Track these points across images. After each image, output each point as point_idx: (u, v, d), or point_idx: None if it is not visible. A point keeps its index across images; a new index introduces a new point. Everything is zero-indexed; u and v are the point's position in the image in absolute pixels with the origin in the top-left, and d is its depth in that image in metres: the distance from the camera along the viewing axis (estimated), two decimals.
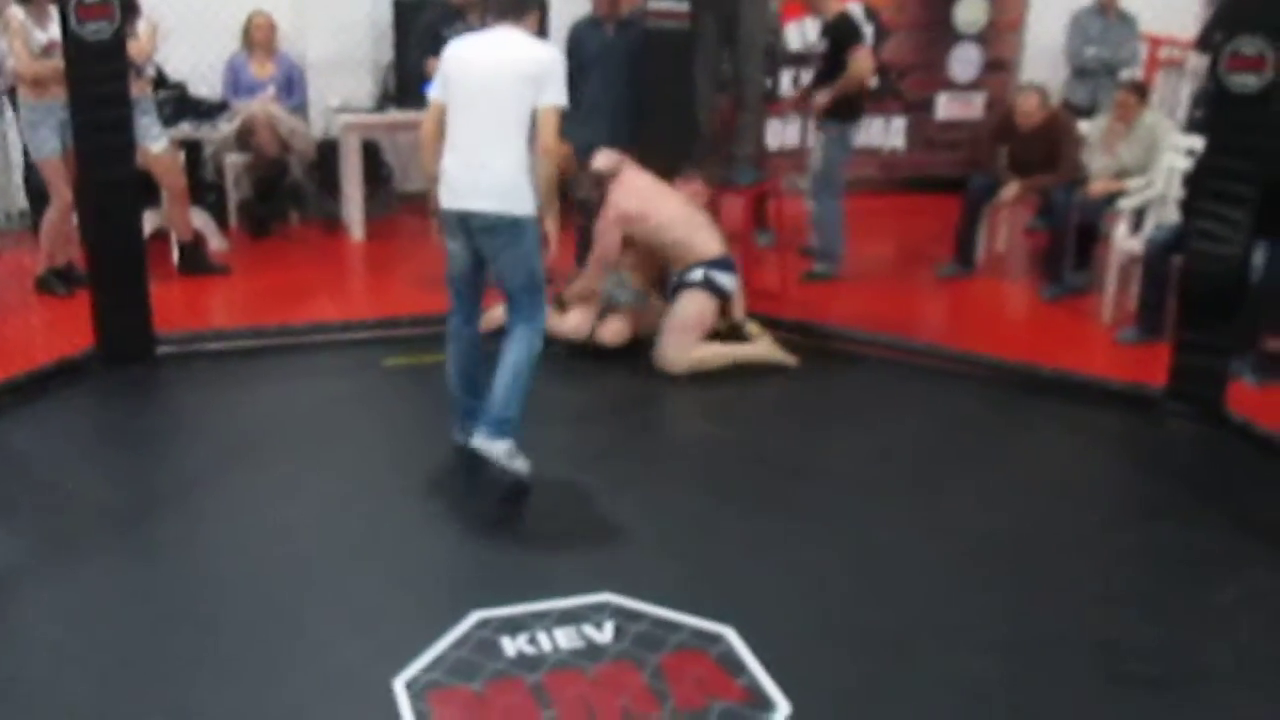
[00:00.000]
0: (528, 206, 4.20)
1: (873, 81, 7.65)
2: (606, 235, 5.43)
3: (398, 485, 4.33)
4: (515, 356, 4.29)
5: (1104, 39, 8.18)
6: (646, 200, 5.47)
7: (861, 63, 6.60)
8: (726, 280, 5.49)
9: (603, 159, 5.53)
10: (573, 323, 5.58)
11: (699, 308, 5.43)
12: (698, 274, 5.43)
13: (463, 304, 4.50)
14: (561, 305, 5.57)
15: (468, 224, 4.27)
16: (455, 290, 4.48)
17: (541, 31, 4.60)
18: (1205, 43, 8.23)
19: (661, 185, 5.62)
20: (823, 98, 6.60)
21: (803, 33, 7.96)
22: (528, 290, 4.30)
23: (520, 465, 4.28)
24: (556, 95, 4.18)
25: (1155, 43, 8.75)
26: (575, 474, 4.46)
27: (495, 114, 4.20)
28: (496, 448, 4.28)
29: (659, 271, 5.67)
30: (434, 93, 4.32)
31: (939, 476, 4.55)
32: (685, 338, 5.40)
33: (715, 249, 5.50)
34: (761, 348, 5.55)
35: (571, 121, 6.22)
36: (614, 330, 5.60)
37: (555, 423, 4.79)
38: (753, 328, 5.64)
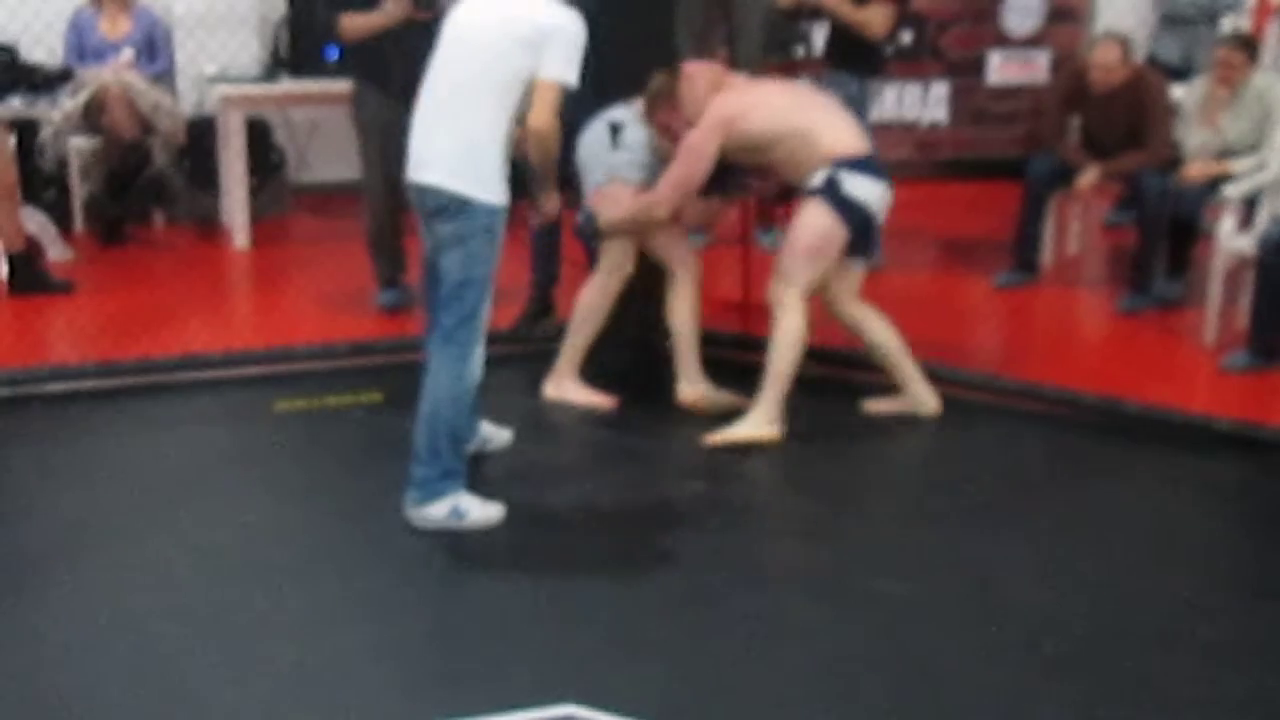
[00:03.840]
0: (487, 191, 4.37)
1: (904, 38, 7.76)
2: (699, 148, 5.28)
3: (295, 568, 4.33)
4: (430, 399, 4.46)
5: None
6: (748, 92, 5.43)
7: (876, 18, 6.72)
8: (863, 188, 5.22)
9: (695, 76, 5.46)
10: (613, 260, 5.54)
11: (813, 226, 5.23)
12: (820, 177, 5.21)
13: (433, 319, 4.66)
14: (596, 234, 5.54)
15: (423, 205, 4.49)
16: (426, 302, 4.71)
17: None
18: None
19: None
20: None
21: None
22: (457, 302, 4.42)
23: (476, 517, 4.47)
24: (558, 69, 4.37)
25: None
26: (530, 546, 4.48)
27: (467, 73, 4.43)
28: (430, 514, 4.45)
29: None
30: None
31: (992, 544, 4.58)
32: (791, 264, 5.26)
33: (850, 144, 5.28)
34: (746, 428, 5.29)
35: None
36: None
37: (506, 478, 4.81)
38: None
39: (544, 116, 4.38)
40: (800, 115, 5.33)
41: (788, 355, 5.24)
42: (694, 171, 5.31)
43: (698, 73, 5.43)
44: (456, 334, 4.45)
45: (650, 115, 5.45)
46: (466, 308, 4.43)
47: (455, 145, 4.40)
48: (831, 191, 5.18)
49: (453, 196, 4.38)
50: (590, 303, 5.58)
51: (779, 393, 5.26)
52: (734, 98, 5.36)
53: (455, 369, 4.46)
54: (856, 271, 5.50)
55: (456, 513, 4.46)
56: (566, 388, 5.64)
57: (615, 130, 5.49)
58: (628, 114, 5.51)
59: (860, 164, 5.24)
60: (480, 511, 4.50)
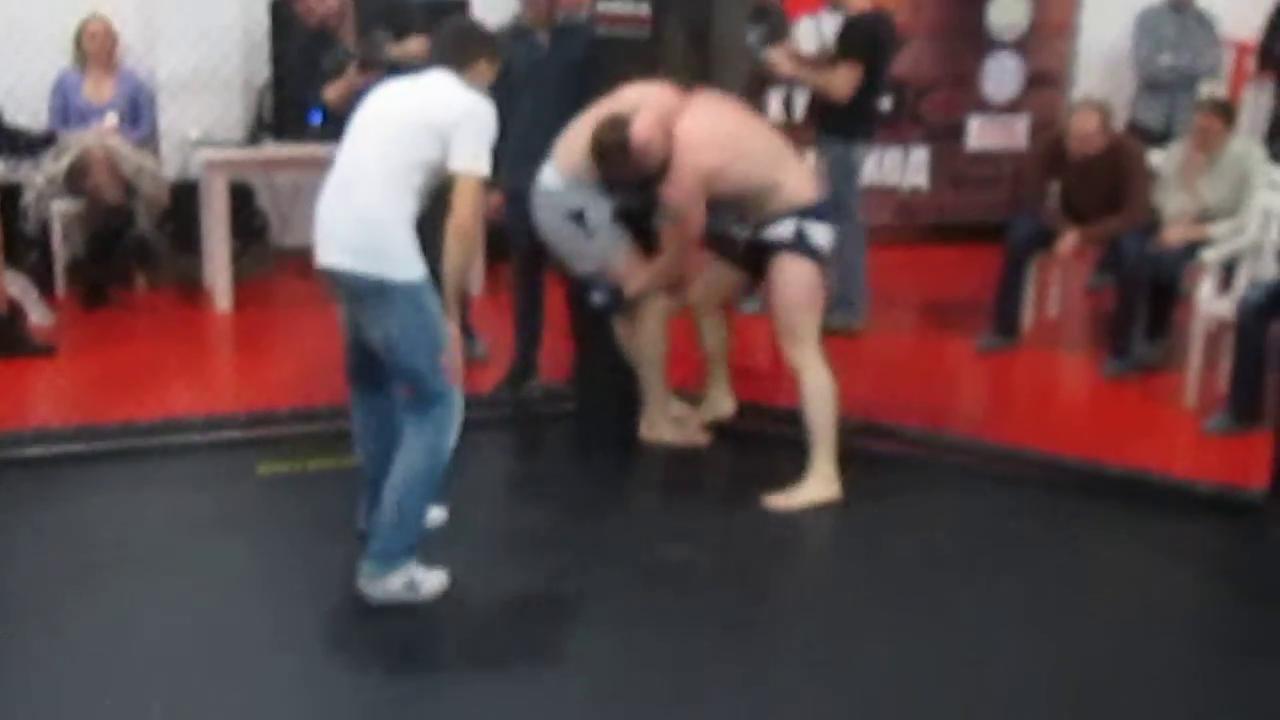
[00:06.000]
0: (403, 268, 4.24)
1: (884, 104, 7.81)
2: (687, 208, 5.31)
3: (277, 636, 4.33)
4: (401, 473, 4.34)
5: (1180, 44, 8.43)
6: (724, 139, 5.38)
7: (838, 80, 6.81)
8: (822, 234, 5.36)
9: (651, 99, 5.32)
10: (648, 303, 5.56)
11: (798, 280, 5.34)
12: (786, 228, 5.33)
13: (357, 388, 4.62)
14: (625, 305, 5.52)
15: (339, 288, 4.40)
16: (348, 371, 4.62)
17: None
18: (1267, 56, 8.48)
19: (729, 109, 5.62)
20: (784, 63, 6.81)
21: (819, 31, 7.91)
22: (416, 381, 4.31)
23: (431, 588, 4.41)
24: (468, 159, 4.24)
25: (1242, 50, 9.00)
26: (514, 611, 4.49)
27: (369, 154, 4.31)
28: (388, 587, 4.37)
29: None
30: None
31: (974, 609, 4.60)
32: (792, 322, 5.35)
33: (809, 191, 5.44)
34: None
35: (501, 160, 6.31)
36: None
37: (489, 544, 4.82)
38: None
39: (464, 216, 4.22)
40: (772, 169, 5.39)
41: (824, 412, 5.33)
42: (690, 227, 5.40)
43: (645, 129, 5.18)
44: (431, 411, 4.31)
45: (604, 175, 5.29)
46: (427, 385, 4.30)
47: (356, 227, 4.27)
48: (802, 244, 5.32)
49: (367, 281, 4.25)
50: (647, 345, 5.65)
51: (828, 451, 5.34)
52: (707, 151, 5.26)
53: (430, 443, 4.34)
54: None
55: (412, 585, 4.39)
56: (661, 428, 5.77)
57: (579, 219, 5.40)
58: (571, 190, 5.37)
59: (817, 212, 5.39)
60: (433, 582, 4.44)
